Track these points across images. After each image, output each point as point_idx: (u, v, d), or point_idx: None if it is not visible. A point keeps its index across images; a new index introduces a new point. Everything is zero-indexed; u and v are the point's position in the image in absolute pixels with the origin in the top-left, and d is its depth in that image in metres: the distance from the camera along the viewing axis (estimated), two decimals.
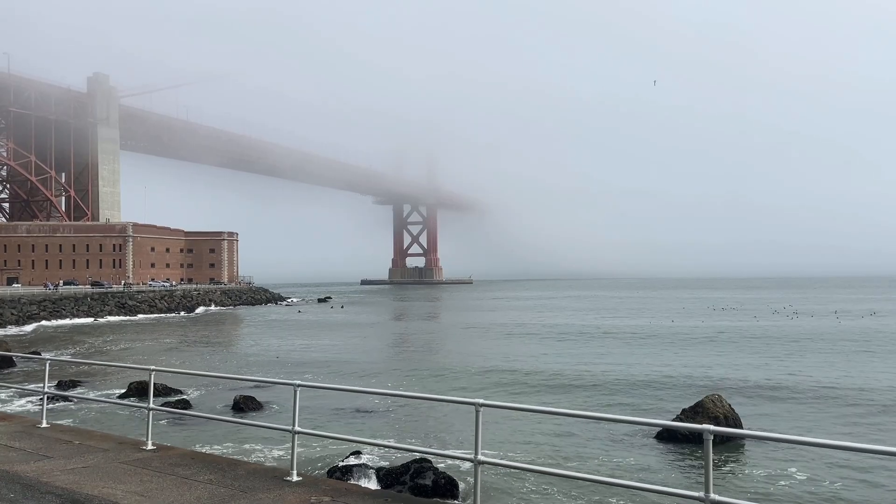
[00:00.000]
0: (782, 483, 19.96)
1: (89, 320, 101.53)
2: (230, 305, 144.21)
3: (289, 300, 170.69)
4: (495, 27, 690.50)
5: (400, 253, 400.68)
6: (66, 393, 28.56)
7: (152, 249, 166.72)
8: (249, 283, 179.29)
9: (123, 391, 35.53)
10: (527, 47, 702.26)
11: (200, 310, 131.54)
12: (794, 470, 20.97)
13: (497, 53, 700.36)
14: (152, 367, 13.29)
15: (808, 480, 20.04)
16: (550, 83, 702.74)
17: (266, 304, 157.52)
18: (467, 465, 19.10)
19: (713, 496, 7.12)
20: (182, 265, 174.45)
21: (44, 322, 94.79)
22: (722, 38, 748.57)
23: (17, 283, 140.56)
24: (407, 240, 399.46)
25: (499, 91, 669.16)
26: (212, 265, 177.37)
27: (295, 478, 10.32)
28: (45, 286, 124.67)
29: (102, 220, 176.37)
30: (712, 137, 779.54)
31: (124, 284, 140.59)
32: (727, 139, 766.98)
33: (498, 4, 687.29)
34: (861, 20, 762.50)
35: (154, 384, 13.30)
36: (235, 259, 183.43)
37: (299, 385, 10.82)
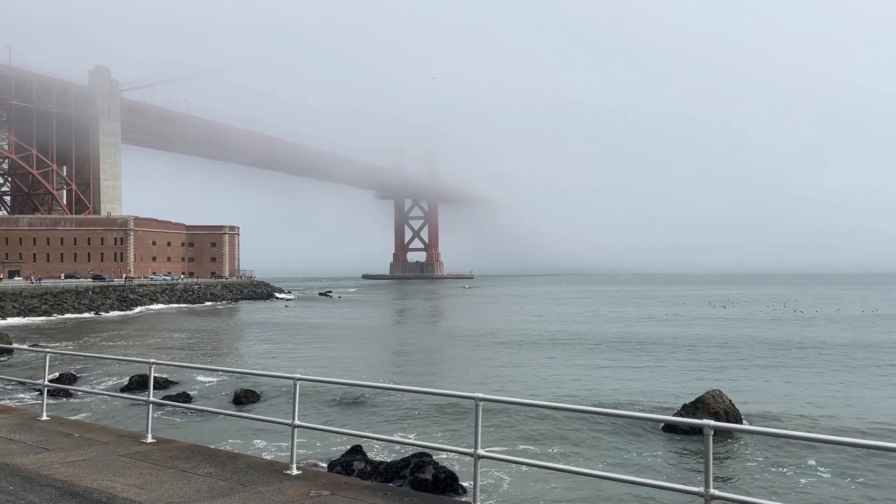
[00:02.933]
0: (782, 478, 19.97)
1: (73, 315, 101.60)
2: (229, 300, 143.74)
3: (286, 294, 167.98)
4: (503, 30, 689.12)
5: (401, 248, 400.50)
6: (66, 386, 28.59)
7: (153, 243, 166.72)
8: (251, 278, 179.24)
9: (124, 384, 35.61)
10: (534, 50, 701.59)
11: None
12: (794, 465, 20.97)
13: (502, 55, 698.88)
14: (152, 361, 13.27)
15: (809, 476, 20.05)
16: (556, 85, 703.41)
17: (267, 299, 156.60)
18: (467, 459, 19.12)
19: (713, 491, 7.10)
20: (183, 259, 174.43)
21: None
22: (721, 47, 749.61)
23: (19, 276, 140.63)
24: (408, 234, 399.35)
25: (504, 91, 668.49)
26: (213, 259, 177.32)
27: (294, 471, 10.31)
28: (29, 280, 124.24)
29: (104, 213, 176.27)
30: (716, 140, 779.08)
31: (125, 278, 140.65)
32: (730, 141, 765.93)
33: (506, 11, 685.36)
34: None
35: (154, 377, 13.29)
36: (236, 253, 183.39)
37: (299, 379, 10.81)
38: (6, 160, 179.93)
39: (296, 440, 10.60)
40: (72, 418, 20.03)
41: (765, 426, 25.06)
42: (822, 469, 20.52)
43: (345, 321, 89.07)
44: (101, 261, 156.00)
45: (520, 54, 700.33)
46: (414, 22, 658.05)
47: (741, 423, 25.34)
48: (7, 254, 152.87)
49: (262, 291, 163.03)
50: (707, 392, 27.07)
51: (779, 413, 29.66)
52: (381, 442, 22.25)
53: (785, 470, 20.65)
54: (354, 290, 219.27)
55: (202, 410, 24.38)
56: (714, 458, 7.42)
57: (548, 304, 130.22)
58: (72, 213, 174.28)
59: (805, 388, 36.29)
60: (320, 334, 69.94)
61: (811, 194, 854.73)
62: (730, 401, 26.62)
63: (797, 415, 29.47)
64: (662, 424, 25.14)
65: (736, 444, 23.42)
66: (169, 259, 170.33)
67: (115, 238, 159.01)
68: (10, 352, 45.12)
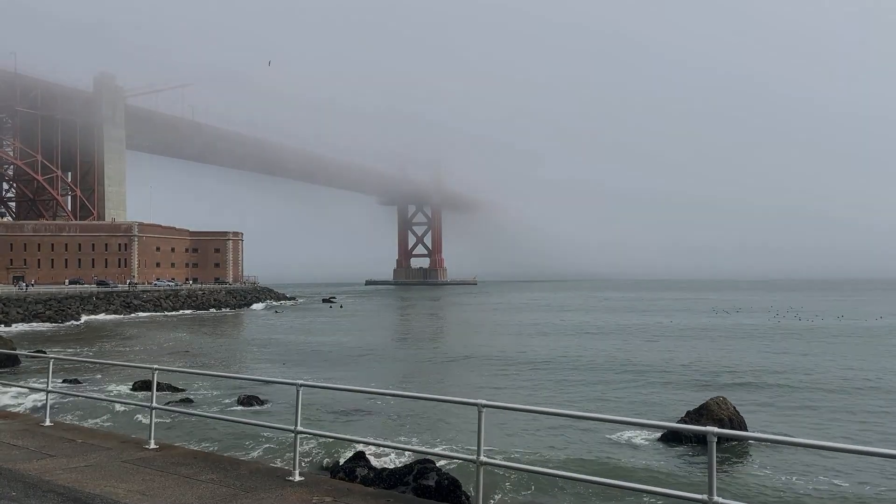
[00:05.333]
0: (787, 486, 19.86)
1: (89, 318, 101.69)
2: (233, 307, 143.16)
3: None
4: (510, 29, 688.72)
5: (405, 253, 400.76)
6: (69, 392, 28.60)
7: (157, 249, 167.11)
8: (254, 283, 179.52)
9: (127, 390, 35.65)
10: (541, 52, 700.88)
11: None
12: (799, 473, 20.86)
13: (508, 55, 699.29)
14: (155, 366, 13.29)
15: (814, 484, 19.93)
16: (564, 85, 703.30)
17: (261, 302, 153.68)
18: (470, 466, 19.06)
19: (717, 499, 7.07)
20: (187, 265, 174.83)
21: None
22: (726, 47, 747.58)
23: (23, 281, 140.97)
24: (412, 240, 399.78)
25: (508, 92, 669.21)
26: (217, 265, 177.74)
27: (297, 477, 10.30)
28: (18, 286, 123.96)
29: (108, 219, 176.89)
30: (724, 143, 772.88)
31: (129, 284, 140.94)
32: (739, 145, 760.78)
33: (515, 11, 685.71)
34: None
35: (157, 383, 13.31)
36: (240, 259, 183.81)
37: (302, 385, 10.80)
38: (11, 166, 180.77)
39: (298, 446, 10.59)
40: (75, 424, 20.05)
41: (770, 433, 24.98)
42: (828, 478, 20.40)
43: (341, 338, 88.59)
44: (106, 266, 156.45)
45: (528, 54, 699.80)
46: (417, 24, 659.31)
47: (746, 430, 25.21)
48: (12, 259, 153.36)
49: (266, 297, 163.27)
50: (711, 399, 26.95)
51: (784, 420, 29.54)
52: (383, 448, 22.20)
53: (790, 478, 20.53)
54: (360, 296, 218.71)
55: (205, 416, 24.36)
56: (718, 466, 7.39)
57: (552, 312, 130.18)
58: (76, 219, 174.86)
59: (810, 393, 36.13)
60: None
61: (841, 198, 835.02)
62: (734, 407, 26.48)
63: (803, 422, 29.34)
64: (666, 431, 25.04)
65: (740, 452, 23.31)
66: (173, 265, 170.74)
67: (120, 244, 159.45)
68: (14, 357, 45.16)
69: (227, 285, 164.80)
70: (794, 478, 20.51)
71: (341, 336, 75.98)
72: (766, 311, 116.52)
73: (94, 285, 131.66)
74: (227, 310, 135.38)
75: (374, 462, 20.99)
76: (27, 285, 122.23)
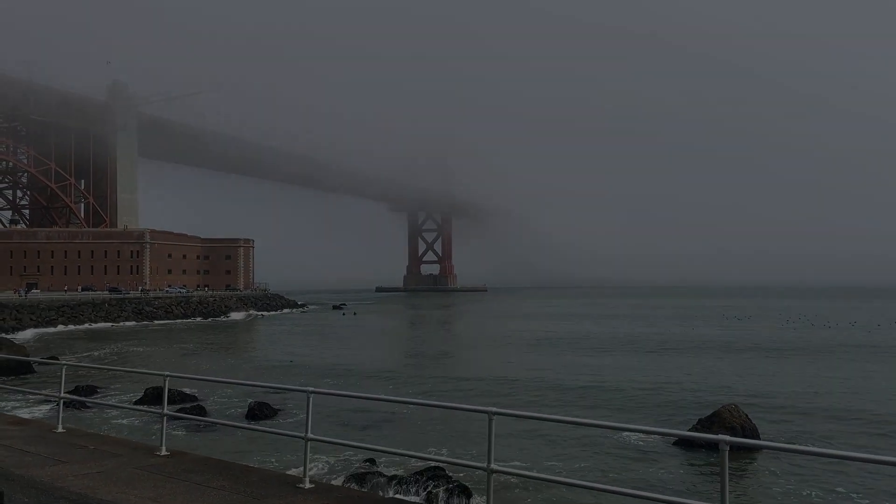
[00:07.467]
0: (799, 495, 19.67)
1: (107, 325, 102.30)
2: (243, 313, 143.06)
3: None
4: (516, 32, 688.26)
5: (415, 260, 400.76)
6: (82, 398, 28.76)
7: (169, 256, 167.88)
8: (265, 290, 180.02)
9: (139, 396, 35.78)
10: (548, 55, 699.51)
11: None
12: (811, 482, 20.66)
13: (514, 59, 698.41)
14: (167, 373, 13.32)
15: (827, 493, 19.73)
16: (570, 88, 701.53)
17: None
18: (481, 473, 18.98)
19: None
20: (198, 272, 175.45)
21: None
22: (730, 42, 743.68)
23: (37, 288, 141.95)
24: (422, 247, 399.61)
25: (518, 97, 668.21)
26: (228, 272, 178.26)
27: (308, 485, 10.29)
28: (16, 292, 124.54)
29: (120, 226, 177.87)
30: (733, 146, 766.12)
31: (141, 290, 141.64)
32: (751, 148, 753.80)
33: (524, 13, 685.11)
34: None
35: (169, 390, 13.34)
36: (251, 265, 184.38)
37: (313, 392, 10.80)
38: (25, 174, 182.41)
39: (309, 453, 10.59)
40: (87, 430, 20.12)
41: (783, 442, 24.76)
42: (843, 487, 20.19)
43: (352, 349, 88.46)
44: (118, 273, 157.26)
45: (538, 55, 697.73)
46: (421, 27, 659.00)
47: (758, 438, 25.02)
48: (25, 266, 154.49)
49: (277, 303, 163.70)
50: (723, 406, 26.78)
51: (797, 428, 29.27)
52: (394, 456, 22.18)
53: (803, 487, 20.35)
54: (359, 304, 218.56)
55: (216, 423, 24.43)
56: (730, 475, 7.33)
57: (563, 321, 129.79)
58: (89, 226, 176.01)
59: (823, 399, 35.79)
60: None
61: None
62: (746, 415, 26.30)
63: (816, 430, 29.07)
64: (677, 439, 24.89)
65: (753, 460, 23.13)
66: (184, 272, 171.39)
67: (132, 251, 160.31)
68: (27, 364, 45.47)
69: (238, 292, 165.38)
70: (807, 487, 20.31)
71: (353, 347, 75.98)
72: (777, 318, 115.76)
73: (107, 292, 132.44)
74: (236, 315, 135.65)
75: (384, 470, 20.99)
76: (26, 292, 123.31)
